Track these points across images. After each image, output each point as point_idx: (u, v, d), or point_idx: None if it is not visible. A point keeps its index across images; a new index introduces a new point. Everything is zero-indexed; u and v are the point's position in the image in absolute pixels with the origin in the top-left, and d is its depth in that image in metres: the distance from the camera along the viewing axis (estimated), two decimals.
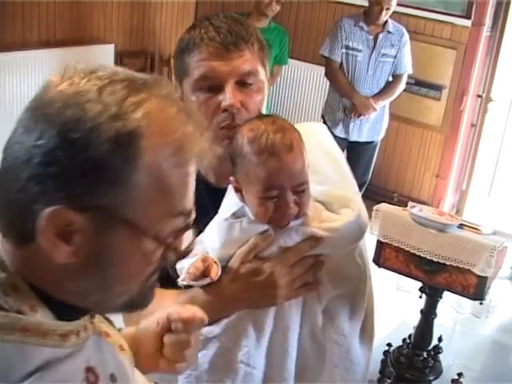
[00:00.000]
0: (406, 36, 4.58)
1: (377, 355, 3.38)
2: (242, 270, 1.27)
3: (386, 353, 3.33)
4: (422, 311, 3.14)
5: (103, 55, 5.45)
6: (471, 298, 2.88)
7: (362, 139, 4.71)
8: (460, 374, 3.40)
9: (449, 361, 3.59)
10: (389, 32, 4.52)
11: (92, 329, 0.89)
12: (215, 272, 1.26)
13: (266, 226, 1.25)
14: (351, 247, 1.34)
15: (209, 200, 1.40)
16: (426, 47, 5.23)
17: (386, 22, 4.51)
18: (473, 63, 5.10)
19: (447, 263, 2.79)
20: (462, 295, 2.87)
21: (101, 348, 0.90)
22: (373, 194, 4.87)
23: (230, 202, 1.30)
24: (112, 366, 0.90)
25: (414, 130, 5.49)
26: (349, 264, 1.36)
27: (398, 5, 5.02)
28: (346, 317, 1.36)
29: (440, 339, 3.25)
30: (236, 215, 1.27)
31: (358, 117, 4.56)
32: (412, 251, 2.85)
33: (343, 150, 4.79)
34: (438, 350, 3.24)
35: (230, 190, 1.32)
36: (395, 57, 4.55)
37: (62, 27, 5.39)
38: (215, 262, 1.26)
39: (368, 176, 4.89)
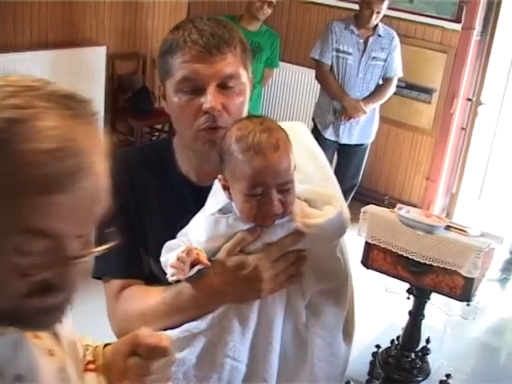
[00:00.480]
0: (397, 39, 4.61)
1: (365, 357, 3.41)
2: (227, 263, 1.29)
3: (374, 354, 3.35)
4: (410, 312, 3.16)
5: (95, 57, 5.47)
6: (458, 300, 2.89)
7: (353, 142, 4.73)
8: (448, 376, 3.42)
9: (437, 362, 3.61)
10: (379, 35, 4.55)
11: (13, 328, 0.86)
12: (205, 257, 1.28)
13: (251, 224, 1.28)
14: (333, 243, 1.38)
15: (190, 198, 1.45)
16: (417, 51, 5.26)
17: (377, 25, 4.54)
18: (463, 67, 5.14)
19: (434, 264, 2.81)
20: (449, 296, 2.88)
21: (16, 347, 0.88)
22: (363, 197, 4.89)
23: (217, 198, 1.32)
24: (23, 367, 0.87)
25: (404, 133, 5.53)
26: (330, 259, 1.39)
27: (389, 9, 5.06)
28: (330, 312, 1.39)
29: (428, 340, 3.27)
30: (222, 211, 1.29)
31: (349, 119, 4.58)
32: (399, 252, 2.87)
33: (333, 153, 4.82)
34: (426, 351, 3.25)
35: (217, 187, 1.34)
36: (385, 60, 4.58)
37: (54, 29, 5.40)
38: (200, 251, 1.28)
39: (358, 179, 4.92)
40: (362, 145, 4.79)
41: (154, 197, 1.48)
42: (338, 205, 1.34)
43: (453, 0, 5.06)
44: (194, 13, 6.27)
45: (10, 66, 5.02)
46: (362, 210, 2.98)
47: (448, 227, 2.86)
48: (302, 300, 1.35)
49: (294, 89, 5.95)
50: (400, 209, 2.90)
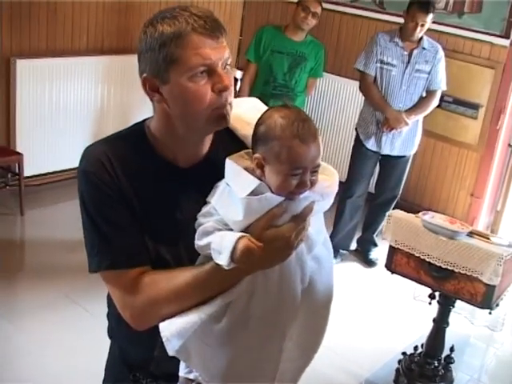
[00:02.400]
0: (441, 53, 4.62)
1: (392, 364, 3.43)
2: (264, 237, 1.38)
3: (400, 361, 3.37)
4: (434, 320, 3.17)
5: None
6: (479, 307, 2.90)
7: (394, 153, 4.75)
8: None
9: (461, 372, 3.59)
10: (423, 48, 4.57)
11: None
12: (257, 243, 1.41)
13: (281, 199, 1.41)
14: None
15: (181, 180, 1.54)
16: (465, 66, 5.26)
17: (422, 38, 4.56)
18: (510, 82, 5.11)
19: (455, 270, 2.83)
20: (470, 303, 2.90)
21: None
22: (407, 210, 4.88)
23: (242, 181, 1.43)
24: None
25: (450, 148, 5.51)
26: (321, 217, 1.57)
27: (438, 23, 5.11)
28: (326, 261, 1.58)
29: (452, 349, 3.27)
30: (254, 193, 1.40)
31: (390, 130, 4.61)
32: (422, 257, 2.90)
33: (375, 164, 4.85)
34: (449, 359, 3.26)
35: (233, 168, 1.45)
36: (429, 73, 4.60)
37: (109, 36, 5.62)
38: (250, 239, 1.40)
39: (399, 190, 4.92)
40: (403, 156, 4.80)
41: (146, 182, 1.52)
42: (331, 173, 1.51)
43: (501, 16, 5.04)
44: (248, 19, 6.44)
45: (67, 69, 5.25)
46: (387, 214, 3.03)
47: (471, 234, 2.87)
48: (308, 257, 1.50)
49: (337, 99, 6.02)
50: (425, 214, 2.94)
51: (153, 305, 1.48)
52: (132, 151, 1.53)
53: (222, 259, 1.37)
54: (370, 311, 4.31)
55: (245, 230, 1.40)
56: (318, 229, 1.53)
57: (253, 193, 1.40)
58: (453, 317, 3.22)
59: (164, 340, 1.46)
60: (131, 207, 1.49)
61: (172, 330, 1.46)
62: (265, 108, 1.53)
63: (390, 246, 3.02)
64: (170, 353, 1.47)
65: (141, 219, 1.50)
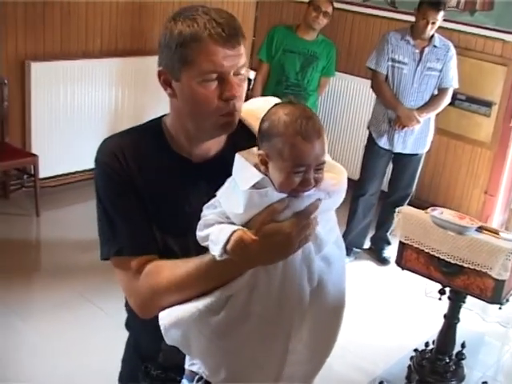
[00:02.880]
0: (453, 50, 4.62)
1: (405, 361, 3.43)
2: (263, 231, 1.38)
3: (412, 358, 3.37)
4: (445, 316, 3.17)
5: None
6: (488, 302, 2.90)
7: (407, 151, 4.75)
8: (485, 383, 3.40)
9: (474, 369, 3.58)
10: (435, 46, 4.57)
11: None
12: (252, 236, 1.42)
13: (283, 195, 1.40)
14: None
15: (193, 174, 1.58)
16: (477, 64, 5.25)
17: (433, 36, 4.56)
18: None
19: (465, 265, 2.83)
20: (480, 298, 2.90)
21: None
22: (422, 209, 4.88)
23: (246, 174, 1.43)
24: None
25: (463, 146, 5.50)
26: (332, 216, 1.55)
27: (450, 21, 5.11)
28: (337, 261, 1.55)
29: (463, 345, 3.27)
30: (256, 186, 1.40)
31: (402, 128, 4.61)
32: (431, 253, 2.90)
33: (388, 162, 4.85)
34: (461, 356, 3.25)
35: (240, 164, 1.46)
36: (441, 71, 4.60)
37: (123, 38, 5.67)
38: (245, 231, 1.41)
39: (412, 188, 4.93)
40: (416, 154, 4.80)
41: (158, 174, 1.57)
42: (339, 171, 1.49)
43: None
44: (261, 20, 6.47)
45: (81, 72, 5.31)
46: (397, 210, 3.04)
47: (480, 229, 2.87)
48: (316, 256, 1.48)
49: (350, 98, 6.03)
50: (434, 210, 2.94)
51: (154, 293, 1.51)
52: (146, 144, 1.59)
53: (216, 250, 1.39)
54: (384, 309, 4.32)
55: (246, 225, 1.41)
56: (329, 227, 1.52)
57: (255, 186, 1.40)
58: (466, 314, 3.22)
59: (162, 329, 1.49)
60: (140, 197, 1.54)
61: (170, 320, 1.49)
62: None
63: (400, 242, 3.03)
64: (168, 342, 1.51)
65: (149, 210, 1.54)
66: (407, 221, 2.98)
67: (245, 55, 1.49)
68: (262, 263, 1.42)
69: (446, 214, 2.90)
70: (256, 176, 1.41)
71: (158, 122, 1.64)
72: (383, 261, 4.93)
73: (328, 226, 1.51)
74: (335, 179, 1.46)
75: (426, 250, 2.92)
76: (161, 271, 1.51)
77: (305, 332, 1.51)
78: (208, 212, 1.47)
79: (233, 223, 1.42)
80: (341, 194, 1.47)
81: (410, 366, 3.37)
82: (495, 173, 5.35)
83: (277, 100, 1.60)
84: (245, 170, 1.44)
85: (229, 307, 1.44)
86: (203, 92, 1.46)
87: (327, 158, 1.47)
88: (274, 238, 1.38)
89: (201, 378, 1.53)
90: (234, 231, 1.38)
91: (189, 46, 1.43)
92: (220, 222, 1.43)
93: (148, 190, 1.55)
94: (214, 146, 1.61)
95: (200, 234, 1.46)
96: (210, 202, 1.48)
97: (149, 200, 1.55)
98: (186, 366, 1.56)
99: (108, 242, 1.56)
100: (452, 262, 2.85)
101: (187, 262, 1.47)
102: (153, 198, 1.55)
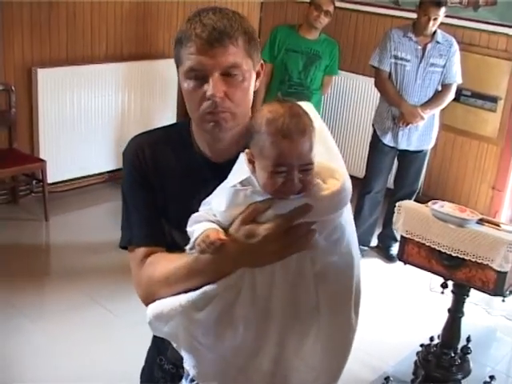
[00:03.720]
0: (455, 46, 4.61)
1: (412, 357, 3.43)
2: (240, 232, 1.39)
3: (418, 353, 3.36)
4: (449, 310, 3.17)
5: (168, 69, 5.68)
6: (491, 294, 2.89)
7: (411, 148, 4.75)
8: (492, 377, 3.39)
9: (480, 363, 3.57)
10: (437, 42, 4.58)
11: None
12: (222, 234, 1.40)
13: (266, 196, 1.38)
14: (338, 213, 1.44)
15: (208, 173, 1.59)
16: (482, 59, 5.25)
17: (435, 32, 4.57)
18: None
19: (466, 258, 2.82)
20: (482, 291, 2.89)
21: None
22: None
23: (239, 171, 1.43)
24: None
25: (470, 142, 5.49)
26: (336, 228, 1.45)
27: (454, 17, 5.10)
28: (340, 276, 1.47)
29: (468, 339, 3.26)
30: (242, 184, 1.39)
31: (406, 125, 4.61)
32: (432, 246, 2.90)
33: (393, 159, 4.85)
34: (466, 350, 3.24)
35: (240, 161, 1.46)
36: (444, 66, 4.60)
37: (128, 42, 5.72)
38: (218, 230, 1.40)
39: (418, 185, 4.93)
40: (421, 151, 4.80)
41: (175, 172, 1.63)
42: (341, 177, 1.41)
43: None
44: (266, 23, 6.50)
45: (88, 77, 5.35)
46: (397, 204, 3.04)
47: (481, 221, 2.87)
48: (311, 267, 1.42)
49: (355, 97, 6.04)
50: (434, 203, 2.94)
51: (151, 284, 1.55)
52: (170, 142, 1.67)
53: (188, 245, 1.41)
54: (392, 305, 4.32)
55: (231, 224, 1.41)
56: (334, 239, 1.44)
57: (242, 184, 1.39)
58: (471, 308, 3.21)
59: (147, 320, 1.52)
60: (153, 193, 1.62)
61: (154, 312, 1.51)
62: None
63: (402, 237, 3.03)
64: (154, 333, 1.54)
65: (160, 205, 1.62)
66: (408, 215, 2.98)
67: (240, 55, 1.50)
68: (244, 264, 1.41)
69: (446, 207, 2.90)
70: (243, 174, 1.41)
71: (187, 122, 1.69)
72: (391, 258, 4.92)
73: (333, 238, 1.44)
74: (332, 185, 1.40)
75: (427, 244, 2.92)
76: (158, 263, 1.56)
77: (307, 349, 1.46)
78: (202, 208, 1.47)
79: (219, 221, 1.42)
80: (335, 202, 1.40)
81: (416, 362, 3.37)
82: (502, 168, 5.33)
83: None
84: (238, 168, 1.44)
85: (213, 306, 1.44)
86: (187, 89, 1.52)
87: (325, 161, 1.44)
88: (251, 239, 1.38)
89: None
90: (207, 229, 1.38)
91: (178, 45, 1.51)
92: (208, 220, 1.43)
93: (162, 187, 1.62)
94: (229, 146, 1.59)
95: (188, 229, 1.46)
96: (206, 199, 1.49)
97: (161, 196, 1.62)
98: (184, 364, 1.57)
99: (124, 230, 1.68)
100: (453, 254, 2.85)
101: (181, 257, 1.50)
102: (166, 194, 1.62)
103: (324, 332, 1.46)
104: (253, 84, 1.57)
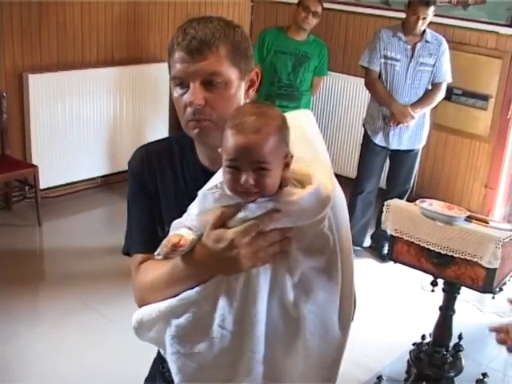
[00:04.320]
0: (445, 45, 4.62)
1: (405, 356, 3.43)
2: (208, 237, 1.39)
3: (410, 352, 3.37)
4: (440, 308, 3.17)
5: (159, 73, 5.71)
6: (481, 291, 2.89)
7: (403, 147, 4.76)
8: (484, 375, 3.40)
9: (472, 360, 3.57)
10: (427, 41, 4.59)
11: None
12: (186, 240, 1.39)
13: (236, 199, 1.36)
14: (316, 220, 1.40)
15: (203, 182, 1.55)
16: (472, 57, 5.26)
17: (424, 31, 4.58)
18: None
19: (455, 256, 2.83)
20: (472, 288, 2.89)
21: None
22: None
23: (218, 175, 1.42)
24: None
25: (462, 141, 5.50)
26: (318, 236, 1.43)
27: (443, 16, 5.11)
28: (321, 289, 1.43)
29: (460, 337, 3.26)
30: (214, 187, 1.39)
31: (397, 125, 4.62)
32: (421, 244, 2.91)
33: (384, 159, 4.86)
34: (458, 347, 3.25)
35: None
36: (434, 65, 4.61)
37: (119, 47, 5.72)
38: (182, 236, 1.39)
39: (410, 184, 4.93)
40: (412, 150, 4.81)
41: (175, 182, 1.65)
42: (316, 183, 1.38)
43: (506, 5, 5.03)
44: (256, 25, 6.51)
45: (79, 82, 5.35)
46: (386, 203, 3.04)
47: (469, 219, 2.88)
48: (289, 277, 1.39)
49: (346, 97, 6.05)
50: (422, 201, 2.95)
51: (141, 290, 1.58)
52: (173, 152, 1.69)
53: (156, 251, 1.42)
54: (386, 305, 4.32)
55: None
56: (315, 249, 1.42)
57: (216, 187, 1.39)
58: (463, 306, 3.21)
59: (132, 325, 1.54)
60: (152, 201, 1.65)
61: (138, 318, 1.53)
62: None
63: (391, 236, 3.03)
64: (139, 338, 1.55)
65: (156, 210, 1.64)
66: (397, 214, 2.98)
67: (221, 64, 1.50)
68: (217, 270, 1.41)
69: (434, 206, 2.91)
70: (219, 178, 1.41)
71: None
72: (384, 258, 4.91)
73: (314, 247, 1.42)
74: (300, 191, 1.36)
75: (416, 242, 2.92)
76: (148, 269, 1.57)
77: (290, 363, 1.43)
78: (184, 215, 1.47)
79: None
80: (305, 208, 1.36)
81: (408, 361, 3.37)
82: (495, 166, 5.34)
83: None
84: (218, 172, 1.43)
85: (191, 313, 1.43)
86: (174, 96, 1.56)
87: (317, 166, 1.43)
88: (219, 244, 1.37)
89: None
90: (171, 234, 1.39)
91: (169, 53, 1.55)
92: (186, 226, 1.43)
93: (161, 196, 1.65)
94: None
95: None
96: (190, 206, 1.48)
97: (156, 201, 1.65)
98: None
99: (126, 237, 1.73)
100: (442, 252, 2.85)
101: (167, 264, 1.50)
102: (164, 203, 1.65)
103: (308, 347, 1.43)
104: (241, 93, 1.57)
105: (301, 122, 1.57)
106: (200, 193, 1.42)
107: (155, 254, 1.44)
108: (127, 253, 1.70)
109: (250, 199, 1.35)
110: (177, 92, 1.53)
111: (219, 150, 1.40)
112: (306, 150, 1.51)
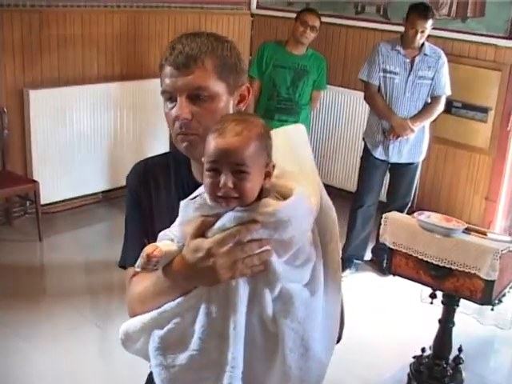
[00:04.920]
0: (444, 58, 4.63)
1: (406, 369, 3.42)
2: (189, 247, 1.39)
3: (410, 365, 3.36)
4: (439, 320, 3.17)
5: (159, 88, 5.71)
6: (479, 303, 2.89)
7: (402, 161, 4.76)
8: None
9: (472, 373, 3.56)
10: (425, 55, 4.60)
11: None
12: (160, 251, 1.39)
13: (216, 209, 1.36)
14: (296, 232, 1.38)
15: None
16: (471, 70, 5.26)
17: (423, 44, 4.59)
18: None
19: (453, 268, 2.83)
20: (470, 300, 2.89)
21: None
22: None
23: (202, 187, 1.43)
24: None
25: (462, 153, 5.49)
26: (300, 251, 1.41)
27: (442, 29, 5.13)
28: (302, 305, 1.41)
29: (460, 349, 3.25)
30: (196, 197, 1.41)
31: (397, 138, 4.62)
32: (420, 257, 2.91)
33: (384, 172, 4.86)
34: (458, 360, 3.24)
35: None
36: (432, 79, 4.61)
37: (119, 62, 5.75)
38: (158, 246, 1.40)
39: (410, 197, 4.92)
40: (412, 163, 4.81)
41: (165, 196, 1.66)
42: (295, 196, 1.37)
43: (505, 17, 5.05)
44: (257, 38, 6.55)
45: (80, 97, 5.38)
46: (383, 216, 3.05)
47: (467, 231, 2.88)
48: (268, 291, 1.38)
49: (346, 111, 6.06)
50: (420, 214, 2.95)
51: (131, 302, 1.59)
52: (169, 168, 1.70)
53: (136, 263, 1.41)
54: (387, 318, 4.30)
55: None
56: (299, 263, 1.40)
57: (200, 197, 1.40)
58: (463, 318, 3.20)
59: (119, 337, 1.54)
60: (145, 215, 1.68)
61: (123, 329, 1.53)
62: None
63: (389, 248, 3.04)
64: (126, 350, 1.56)
65: (150, 225, 1.65)
66: (394, 226, 2.99)
67: (208, 78, 1.52)
68: (196, 281, 1.41)
69: (432, 218, 2.91)
70: (201, 189, 1.42)
71: None
72: (385, 271, 4.90)
73: (297, 262, 1.40)
74: (276, 203, 1.35)
75: (415, 255, 2.93)
76: (137, 282, 1.58)
77: (273, 378, 1.42)
78: (171, 226, 1.48)
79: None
80: (281, 219, 1.34)
81: (409, 374, 3.36)
82: (495, 178, 5.34)
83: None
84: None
85: (173, 325, 1.43)
86: (165, 110, 1.58)
87: (302, 180, 1.43)
88: (196, 253, 1.37)
89: None
90: (149, 245, 1.40)
91: (159, 69, 1.57)
92: (169, 237, 1.44)
93: (149, 207, 1.67)
94: None
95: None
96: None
97: (148, 215, 1.67)
98: None
99: (122, 251, 1.75)
100: (440, 264, 2.86)
101: (152, 276, 1.50)
102: (152, 213, 1.67)
103: (286, 364, 1.40)
104: (229, 107, 1.58)
105: (291, 137, 1.59)
106: (182, 203, 1.43)
107: (135, 266, 1.41)
108: (123, 266, 1.71)
109: (229, 206, 1.35)
110: (166, 106, 1.56)
111: (203, 159, 1.40)
112: (293, 164, 1.52)
